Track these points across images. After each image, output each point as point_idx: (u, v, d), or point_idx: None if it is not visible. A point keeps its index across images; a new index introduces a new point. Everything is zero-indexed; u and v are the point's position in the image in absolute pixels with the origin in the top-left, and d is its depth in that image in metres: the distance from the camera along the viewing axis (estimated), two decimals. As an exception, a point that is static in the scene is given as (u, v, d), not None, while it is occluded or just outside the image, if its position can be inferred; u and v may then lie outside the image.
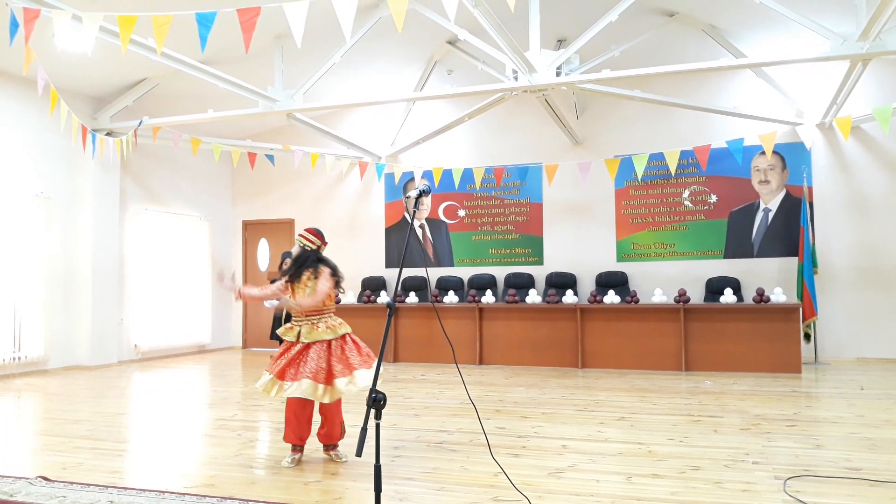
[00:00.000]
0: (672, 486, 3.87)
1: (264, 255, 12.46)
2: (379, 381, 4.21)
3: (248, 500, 3.60)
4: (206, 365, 10.07)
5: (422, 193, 3.25)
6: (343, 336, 4.51)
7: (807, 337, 9.22)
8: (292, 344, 4.48)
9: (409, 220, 3.95)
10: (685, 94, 9.87)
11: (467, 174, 10.37)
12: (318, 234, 4.70)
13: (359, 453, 2.48)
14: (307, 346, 4.42)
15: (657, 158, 9.48)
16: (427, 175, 10.99)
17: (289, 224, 12.29)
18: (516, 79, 7.87)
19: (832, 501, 3.56)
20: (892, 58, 9.06)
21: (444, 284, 11.04)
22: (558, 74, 7.80)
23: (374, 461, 2.60)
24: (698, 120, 10.13)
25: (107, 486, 3.87)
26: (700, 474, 4.10)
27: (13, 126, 8.82)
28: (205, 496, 3.69)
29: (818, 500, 3.58)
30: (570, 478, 4.07)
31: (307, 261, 4.57)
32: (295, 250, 4.66)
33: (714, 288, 9.80)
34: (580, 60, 8.35)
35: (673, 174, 10.00)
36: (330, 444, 4.58)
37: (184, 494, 3.72)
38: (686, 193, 10.29)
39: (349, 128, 11.75)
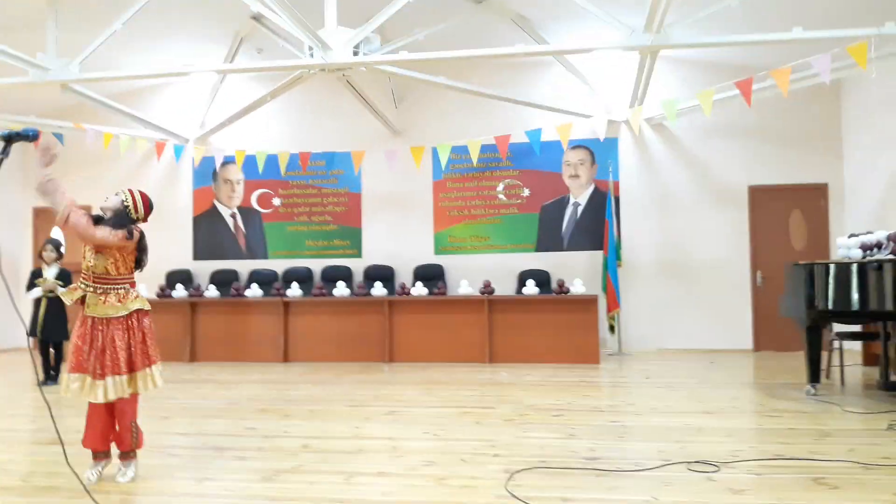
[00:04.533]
0: (389, 486, 3.54)
1: (59, 235, 11.22)
2: (161, 381, 3.75)
3: None
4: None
5: (13, 137, 2.64)
6: (134, 314, 3.72)
7: (611, 328, 9.39)
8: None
9: None
10: (500, 87, 9.77)
11: (272, 160, 9.77)
12: (148, 204, 3.89)
13: None
14: (93, 325, 3.63)
15: (462, 152, 9.32)
16: (229, 160, 10.29)
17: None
18: (312, 56, 7.41)
19: (546, 494, 3.35)
20: (690, 55, 9.40)
21: (258, 278, 10.37)
22: (356, 54, 7.42)
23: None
24: (516, 113, 10.05)
25: None
26: (429, 470, 3.81)
27: None
28: None
29: (534, 493, 3.37)
30: (282, 481, 3.65)
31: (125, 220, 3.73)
32: (113, 202, 3.75)
33: (526, 281, 9.77)
34: (384, 43, 8.02)
35: (475, 164, 9.87)
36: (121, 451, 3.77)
37: None
38: (500, 187, 10.22)
39: (157, 109, 10.83)
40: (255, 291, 9.29)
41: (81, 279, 3.71)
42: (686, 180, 9.77)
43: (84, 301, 3.68)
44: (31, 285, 7.35)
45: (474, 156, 8.53)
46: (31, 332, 7.31)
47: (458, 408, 5.67)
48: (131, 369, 3.65)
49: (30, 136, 2.70)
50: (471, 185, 10.32)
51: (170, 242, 10.85)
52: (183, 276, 10.53)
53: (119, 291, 3.71)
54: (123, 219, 3.72)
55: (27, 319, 7.61)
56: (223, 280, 10.39)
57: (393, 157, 9.02)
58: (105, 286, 3.69)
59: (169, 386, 6.98)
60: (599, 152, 9.96)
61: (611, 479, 3.60)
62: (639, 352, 9.56)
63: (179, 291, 9.33)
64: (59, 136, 9.74)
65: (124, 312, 3.66)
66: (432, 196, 10.43)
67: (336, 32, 7.25)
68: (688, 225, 9.73)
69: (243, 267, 10.68)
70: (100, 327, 3.61)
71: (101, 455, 3.73)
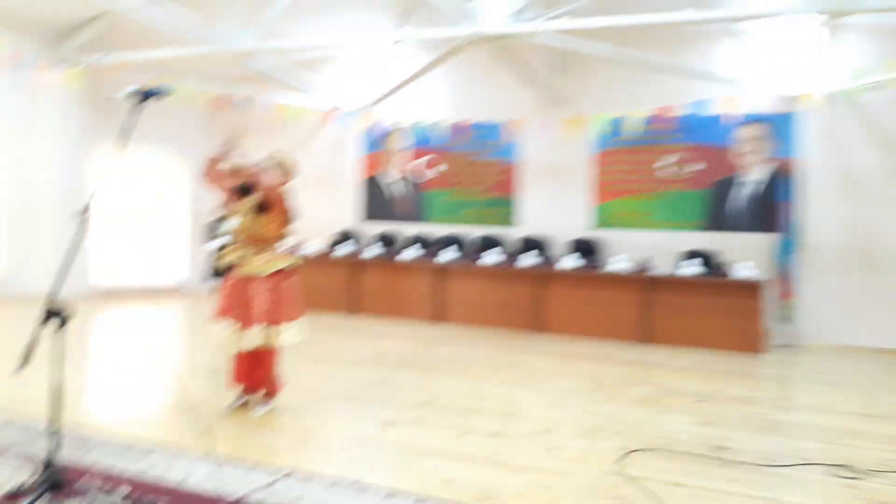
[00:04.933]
0: (497, 446, 3.57)
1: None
2: (302, 336, 4.04)
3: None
4: (177, 304, 10.00)
5: (147, 94, 2.85)
6: (280, 273, 4.04)
7: (784, 318, 8.68)
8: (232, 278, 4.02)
9: (126, 135, 2.81)
10: (668, 55, 9.21)
11: (432, 130, 9.97)
12: (294, 168, 4.17)
13: (21, 366, 2.24)
14: (240, 281, 3.98)
15: (630, 121, 8.93)
16: (392, 128, 10.64)
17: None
18: (469, 25, 7.45)
19: (657, 476, 3.21)
20: (880, 20, 8.29)
21: (417, 242, 10.72)
22: (515, 22, 7.36)
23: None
24: (686, 84, 9.43)
25: None
26: (543, 438, 3.78)
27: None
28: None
29: (645, 473, 3.24)
30: (397, 430, 3.80)
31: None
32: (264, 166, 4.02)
33: (689, 261, 9.26)
34: (546, 10, 7.86)
35: (636, 137, 9.41)
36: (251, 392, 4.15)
37: None
38: (668, 161, 9.71)
39: (327, 79, 11.43)
40: (412, 254, 9.62)
41: (236, 242, 4.02)
42: (878, 160, 8.67)
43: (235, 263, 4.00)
44: (209, 237, 8.15)
45: (635, 128, 8.16)
46: (213, 275, 8.12)
47: (594, 383, 5.54)
48: (274, 321, 3.94)
49: (162, 93, 2.93)
50: (634, 158, 9.90)
51: (340, 204, 11.51)
52: (351, 236, 11.13)
53: (271, 251, 4.01)
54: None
55: (205, 265, 8.46)
56: (386, 242, 10.85)
57: (551, 127, 8.86)
58: (259, 246, 4.00)
59: (327, 335, 7.50)
60: (778, 127, 9.14)
61: (734, 471, 3.36)
62: (814, 345, 8.75)
63: (346, 248, 9.89)
64: (242, 103, 10.61)
65: (273, 269, 3.96)
66: (592, 168, 10.15)
67: (495, 1, 7.21)
68: (879, 210, 8.66)
69: (404, 231, 11.08)
70: (246, 283, 3.93)
71: (245, 391, 4.09)
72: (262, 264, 3.96)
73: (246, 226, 3.99)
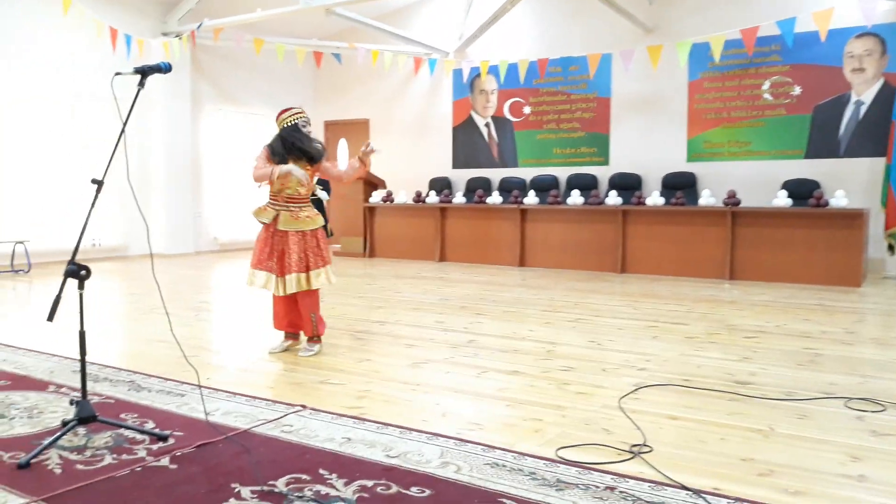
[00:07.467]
0: (510, 383, 3.73)
1: (343, 156, 12.86)
2: (335, 279, 4.35)
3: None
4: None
5: (147, 71, 3.05)
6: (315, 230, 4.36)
7: (890, 248, 8.10)
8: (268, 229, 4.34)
9: (120, 112, 2.95)
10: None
11: (512, 69, 9.88)
12: (281, 113, 4.48)
13: (49, 318, 2.64)
14: (274, 233, 4.31)
15: (729, 46, 8.45)
16: (476, 71, 10.62)
17: (364, 124, 12.52)
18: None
19: (654, 410, 3.26)
20: None
21: (507, 186, 10.80)
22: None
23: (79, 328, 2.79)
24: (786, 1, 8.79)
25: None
26: (562, 374, 3.90)
27: (80, 32, 9.42)
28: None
29: (644, 407, 3.30)
30: (425, 368, 4.05)
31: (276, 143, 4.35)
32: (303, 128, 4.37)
33: (792, 191, 8.73)
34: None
35: (736, 62, 8.91)
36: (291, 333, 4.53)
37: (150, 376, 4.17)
38: (766, 85, 9.13)
39: (418, 26, 11.54)
40: (496, 198, 9.73)
41: (271, 201, 4.34)
42: None
43: (276, 218, 4.30)
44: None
45: (717, 53, 7.74)
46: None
47: (648, 322, 5.52)
48: (306, 269, 4.27)
49: (162, 70, 3.15)
50: (731, 85, 9.39)
51: (432, 152, 11.75)
52: (443, 184, 11.37)
53: (310, 208, 4.33)
54: (276, 142, 4.35)
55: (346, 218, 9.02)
56: (476, 187, 11.00)
57: (638, 57, 8.54)
58: (300, 205, 4.31)
59: (402, 282, 7.86)
60: (893, 40, 8.33)
61: (741, 405, 3.34)
62: (925, 277, 8.12)
63: (432, 197, 10.15)
64: (336, 56, 10.99)
65: (315, 226, 4.27)
66: (687, 98, 9.73)
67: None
68: None
69: (495, 175, 11.17)
70: (279, 235, 4.26)
71: (288, 335, 4.49)
72: (297, 221, 4.28)
73: (281, 186, 4.29)
